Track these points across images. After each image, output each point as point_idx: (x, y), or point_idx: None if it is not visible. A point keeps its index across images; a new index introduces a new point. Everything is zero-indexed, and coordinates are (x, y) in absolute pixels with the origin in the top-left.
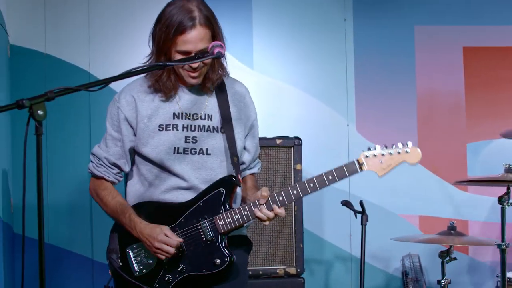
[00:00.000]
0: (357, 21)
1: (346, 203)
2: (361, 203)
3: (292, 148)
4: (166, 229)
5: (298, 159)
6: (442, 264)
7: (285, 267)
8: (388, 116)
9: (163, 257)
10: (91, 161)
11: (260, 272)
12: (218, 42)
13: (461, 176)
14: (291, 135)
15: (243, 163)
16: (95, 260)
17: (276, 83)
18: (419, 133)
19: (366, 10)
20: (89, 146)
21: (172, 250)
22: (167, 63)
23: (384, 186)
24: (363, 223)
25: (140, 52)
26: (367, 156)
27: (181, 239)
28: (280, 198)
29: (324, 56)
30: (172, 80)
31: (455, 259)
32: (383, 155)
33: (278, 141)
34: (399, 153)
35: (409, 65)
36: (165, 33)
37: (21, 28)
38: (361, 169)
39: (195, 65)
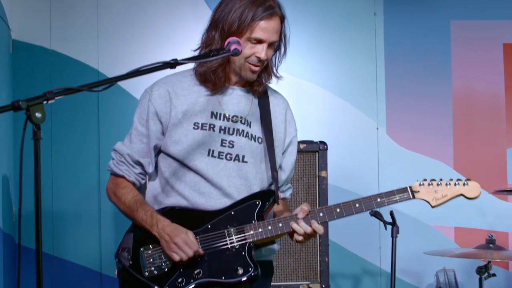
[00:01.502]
0: (388, 16)
1: (375, 214)
2: (391, 213)
3: (317, 153)
4: (191, 233)
5: (323, 165)
6: (480, 280)
7: (309, 282)
8: (421, 119)
9: (178, 258)
10: (112, 158)
11: None
12: (235, 38)
13: (500, 185)
14: (315, 139)
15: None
16: (104, 274)
17: (299, 83)
18: (454, 137)
19: (398, 4)
20: (98, 150)
21: (191, 252)
22: (179, 61)
23: None
24: (394, 235)
25: (152, 49)
26: (421, 185)
27: (201, 251)
28: (321, 214)
29: (352, 54)
30: (226, 73)
31: (494, 275)
32: (439, 184)
33: (301, 146)
34: (456, 184)
35: (445, 63)
36: (239, 19)
37: (25, 22)
38: (413, 197)
39: (263, 55)
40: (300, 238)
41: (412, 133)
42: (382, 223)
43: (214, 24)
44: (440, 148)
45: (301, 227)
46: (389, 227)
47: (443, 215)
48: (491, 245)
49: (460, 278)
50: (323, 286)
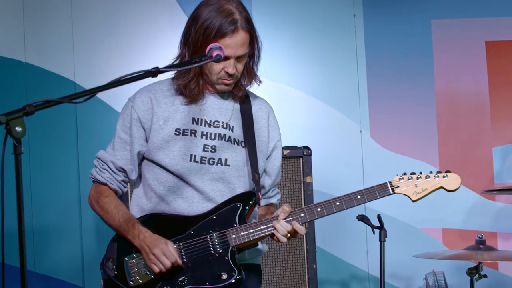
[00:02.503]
0: (368, 17)
1: (362, 218)
2: (379, 217)
3: (301, 159)
4: (171, 244)
5: (308, 170)
6: (471, 282)
7: None
8: (405, 121)
9: (157, 269)
10: (95, 166)
11: None
12: (217, 44)
13: (488, 184)
14: (299, 145)
15: (262, 187)
16: None
17: (280, 88)
18: (439, 138)
19: (378, 5)
20: (77, 163)
21: (168, 263)
22: (160, 69)
23: (402, 197)
24: (382, 239)
25: (129, 59)
26: (401, 179)
27: (180, 262)
28: (302, 214)
29: (333, 57)
30: (200, 85)
31: (485, 276)
32: (418, 178)
33: (285, 152)
34: (436, 177)
35: (427, 63)
36: (203, 35)
37: None
38: (393, 192)
39: (231, 71)
40: (283, 239)
41: (397, 135)
42: (368, 228)
43: (184, 41)
44: (425, 149)
45: (282, 226)
46: (377, 231)
47: (430, 217)
48: (481, 246)
49: (450, 280)
50: None
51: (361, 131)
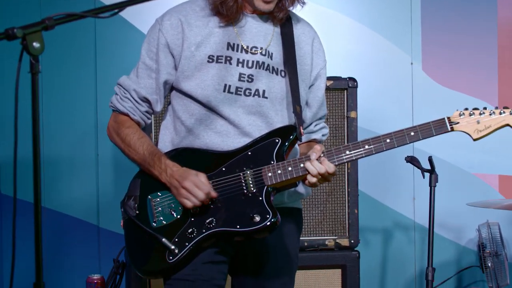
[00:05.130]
0: None
1: (412, 160)
2: (430, 159)
3: (345, 91)
4: (202, 175)
5: (353, 104)
6: None
7: (336, 237)
8: (461, 53)
9: (190, 204)
10: (116, 94)
11: (305, 244)
12: None
13: None
14: (343, 76)
15: (303, 121)
16: (102, 228)
17: (325, 12)
18: (500, 73)
19: None
20: (95, 88)
21: (202, 195)
22: None
23: (457, 139)
24: (432, 184)
25: None
26: (461, 115)
27: (214, 194)
28: (347, 152)
29: None
30: (238, 2)
31: None
32: (481, 114)
33: (328, 83)
34: (502, 113)
35: None
36: None
37: None
38: (452, 128)
39: None
40: (313, 180)
41: (451, 69)
42: (416, 171)
43: None
44: (483, 86)
45: (314, 167)
46: (427, 175)
47: (486, 161)
48: None
49: (506, 232)
50: (352, 241)
51: (412, 63)
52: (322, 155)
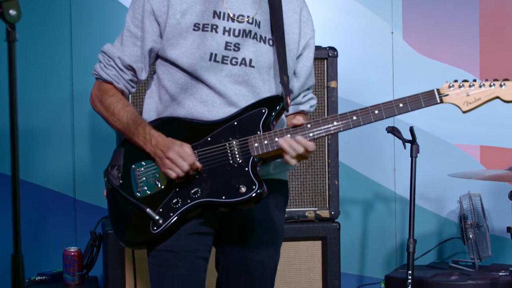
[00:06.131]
0: None
1: (392, 130)
2: (411, 129)
3: (325, 61)
4: (187, 145)
5: (333, 74)
6: None
7: (316, 209)
8: (442, 22)
9: (174, 175)
10: (99, 61)
11: (285, 216)
12: None
13: None
14: (323, 45)
15: (290, 91)
16: (78, 200)
17: None
18: (481, 43)
19: None
20: (70, 57)
21: (186, 166)
22: None
23: (437, 109)
24: (413, 155)
25: None
26: (451, 86)
27: (199, 164)
28: (335, 123)
29: None
30: None
31: None
32: (471, 86)
33: None
34: (492, 86)
35: None
36: None
37: None
38: (441, 100)
39: None
40: (293, 161)
41: (433, 38)
42: (397, 142)
43: None
44: (464, 56)
45: (287, 144)
46: (408, 145)
47: (467, 132)
48: None
49: (487, 204)
50: (332, 212)
51: (392, 32)
52: (307, 126)
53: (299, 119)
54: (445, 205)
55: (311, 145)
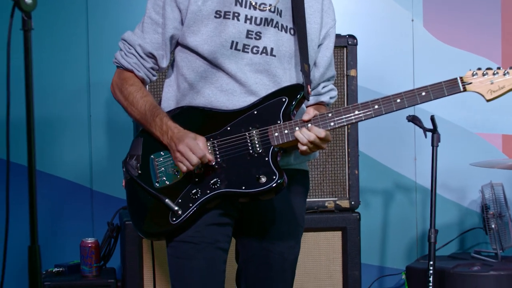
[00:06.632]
0: None
1: (413, 119)
2: (432, 118)
3: (345, 49)
4: (201, 139)
5: (353, 63)
6: None
7: (336, 199)
8: (464, 9)
9: (184, 168)
10: (120, 49)
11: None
12: None
13: None
14: (343, 33)
15: (310, 81)
16: (95, 190)
17: None
18: (503, 31)
19: None
20: (87, 45)
21: (194, 159)
22: None
23: (459, 98)
24: (434, 144)
25: None
26: (474, 75)
27: (211, 157)
28: (357, 112)
29: None
30: None
31: None
32: (495, 74)
33: None
34: None
35: None
36: None
37: None
38: (464, 89)
39: None
40: (304, 147)
41: (453, 26)
42: (418, 131)
43: None
44: (486, 44)
45: (303, 135)
46: (429, 134)
47: (489, 121)
48: None
49: (509, 193)
50: (353, 202)
51: (413, 20)
52: (328, 115)
53: (309, 112)
54: (466, 194)
55: (321, 132)
